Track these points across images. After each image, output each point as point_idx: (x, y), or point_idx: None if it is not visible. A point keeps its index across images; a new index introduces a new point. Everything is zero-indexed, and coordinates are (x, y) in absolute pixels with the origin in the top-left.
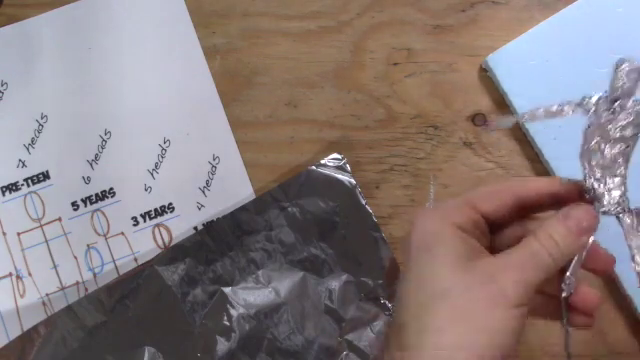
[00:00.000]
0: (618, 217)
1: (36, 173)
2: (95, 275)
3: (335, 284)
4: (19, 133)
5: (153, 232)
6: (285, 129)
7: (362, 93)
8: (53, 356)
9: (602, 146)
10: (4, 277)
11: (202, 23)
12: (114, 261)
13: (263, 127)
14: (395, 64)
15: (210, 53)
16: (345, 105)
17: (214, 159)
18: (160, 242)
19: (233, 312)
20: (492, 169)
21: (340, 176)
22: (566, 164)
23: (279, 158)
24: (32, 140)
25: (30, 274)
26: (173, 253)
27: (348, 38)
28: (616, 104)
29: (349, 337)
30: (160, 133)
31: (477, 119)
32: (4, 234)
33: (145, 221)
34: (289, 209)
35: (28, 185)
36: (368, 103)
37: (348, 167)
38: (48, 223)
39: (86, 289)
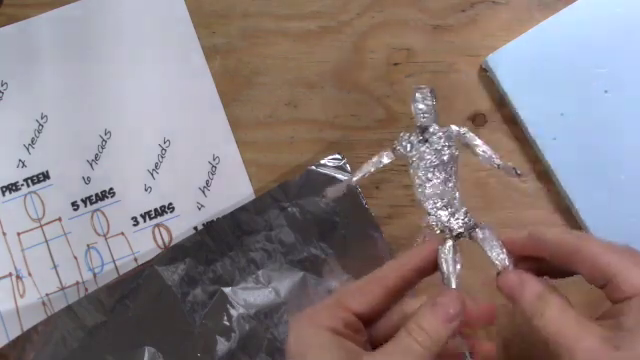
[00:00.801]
0: (471, 236)
1: (36, 173)
2: (95, 275)
3: (335, 284)
4: (19, 133)
5: (153, 232)
6: (285, 129)
7: (362, 93)
8: (53, 356)
9: (429, 176)
10: (4, 277)
11: (202, 23)
12: (114, 261)
13: (263, 127)
14: (395, 64)
15: (210, 53)
16: (345, 105)
17: (214, 159)
18: (160, 242)
19: (233, 312)
20: (492, 169)
21: (340, 176)
22: (566, 164)
23: (279, 158)
24: (32, 140)
25: (30, 274)
26: (173, 253)
27: (348, 38)
28: (426, 133)
29: None
30: (160, 133)
31: (477, 119)
32: (4, 234)
33: (145, 221)
34: (289, 209)
35: (28, 185)
36: (368, 103)
37: (348, 167)
38: (48, 223)
39: (86, 289)
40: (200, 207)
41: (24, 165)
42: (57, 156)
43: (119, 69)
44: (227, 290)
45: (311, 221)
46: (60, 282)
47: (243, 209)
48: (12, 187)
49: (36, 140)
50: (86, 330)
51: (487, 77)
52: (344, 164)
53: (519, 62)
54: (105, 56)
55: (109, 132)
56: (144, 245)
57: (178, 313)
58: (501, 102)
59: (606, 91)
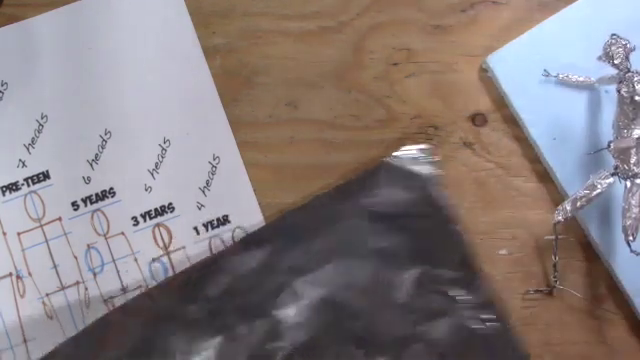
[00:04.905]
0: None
1: (36, 173)
2: (95, 275)
3: (408, 276)
4: (19, 133)
5: (153, 232)
6: (285, 129)
7: (362, 93)
8: (125, 343)
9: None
10: (4, 277)
11: (202, 23)
12: (114, 261)
13: (263, 127)
14: (395, 64)
15: (210, 53)
16: (345, 105)
17: (214, 159)
18: (160, 242)
19: (304, 303)
20: (492, 169)
21: (416, 167)
22: (566, 164)
23: (279, 158)
24: (32, 140)
25: (30, 274)
26: (246, 242)
27: (348, 38)
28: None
29: (421, 328)
30: (160, 133)
31: (477, 119)
32: (4, 234)
33: (145, 221)
34: (364, 201)
35: (28, 185)
36: (368, 103)
37: (426, 158)
38: (48, 223)
39: (86, 289)
40: (200, 207)
41: (24, 165)
42: (57, 156)
43: (119, 69)
44: (298, 281)
45: (385, 213)
46: (60, 282)
47: (318, 199)
48: (12, 187)
49: (36, 140)
50: (158, 318)
51: (487, 77)
52: (421, 156)
53: (519, 62)
54: (105, 56)
55: (109, 132)
56: (144, 245)
57: (250, 302)
58: (501, 102)
59: (606, 91)
